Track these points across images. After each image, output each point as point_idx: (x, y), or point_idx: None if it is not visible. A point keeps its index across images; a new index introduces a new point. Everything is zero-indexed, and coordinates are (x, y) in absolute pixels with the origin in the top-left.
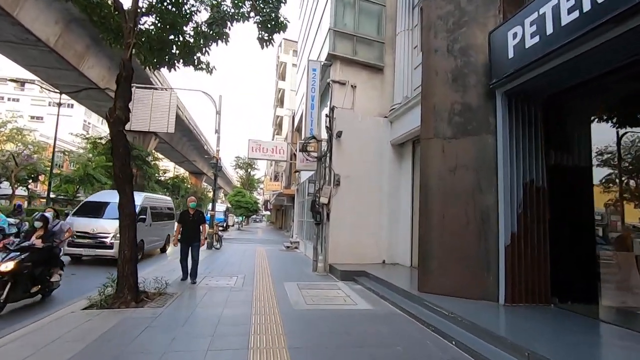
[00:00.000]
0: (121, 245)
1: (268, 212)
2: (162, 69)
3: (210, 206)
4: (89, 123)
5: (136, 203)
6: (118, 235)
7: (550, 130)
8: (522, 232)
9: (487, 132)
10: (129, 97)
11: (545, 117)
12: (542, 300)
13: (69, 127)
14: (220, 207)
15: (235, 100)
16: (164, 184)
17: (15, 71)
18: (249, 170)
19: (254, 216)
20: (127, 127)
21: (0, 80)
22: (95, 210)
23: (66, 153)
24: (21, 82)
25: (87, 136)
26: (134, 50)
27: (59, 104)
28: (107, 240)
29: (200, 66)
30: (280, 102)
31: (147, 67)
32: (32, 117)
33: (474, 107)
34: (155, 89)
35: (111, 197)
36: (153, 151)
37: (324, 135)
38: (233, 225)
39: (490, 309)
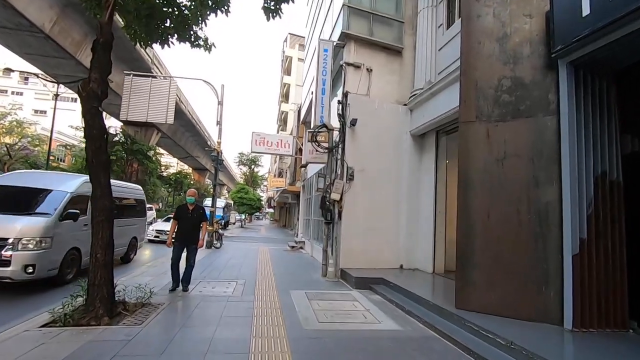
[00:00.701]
0: (93, 247)
1: (271, 210)
2: (158, 52)
3: (207, 201)
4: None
5: (64, 189)
6: (26, 242)
7: (627, 111)
8: (593, 238)
9: (546, 113)
10: (108, 68)
11: (620, 94)
12: (618, 325)
13: (72, 121)
14: (220, 202)
15: (238, 95)
16: (166, 180)
17: (20, 65)
18: (253, 167)
19: (257, 214)
20: (123, 117)
21: (4, 74)
22: None
23: (68, 147)
24: (24, 77)
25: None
26: (121, 20)
27: (56, 95)
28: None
29: (197, 42)
30: (285, 97)
31: (139, 44)
32: (36, 111)
33: (527, 82)
34: (154, 77)
35: (26, 179)
36: (155, 146)
37: (336, 124)
38: (234, 223)
39: (556, 337)
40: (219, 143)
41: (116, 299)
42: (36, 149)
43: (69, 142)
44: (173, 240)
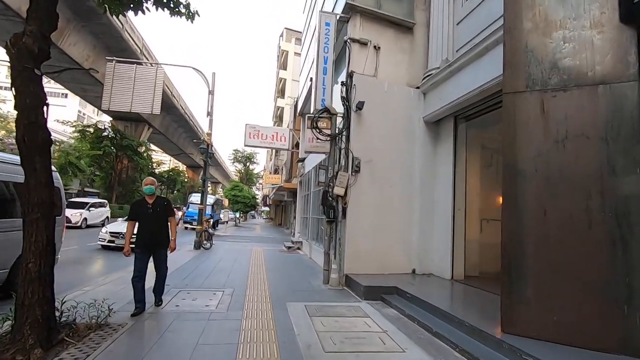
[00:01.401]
0: (24, 254)
1: (267, 208)
2: (148, 42)
3: (194, 197)
4: (83, 114)
5: None
6: None
7: None
8: None
9: (623, 79)
10: (51, 21)
11: None
12: None
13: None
14: (209, 199)
15: (233, 91)
16: (158, 177)
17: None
18: (248, 164)
19: (252, 212)
20: (104, 106)
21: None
22: None
23: (57, 143)
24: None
25: (74, 124)
26: None
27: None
28: None
29: (177, 9)
30: (281, 92)
31: (108, 11)
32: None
33: (596, 40)
34: (139, 63)
35: None
36: (145, 142)
37: (339, 108)
38: (226, 222)
39: None
40: (209, 134)
41: (61, 320)
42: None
43: (57, 137)
44: (132, 246)
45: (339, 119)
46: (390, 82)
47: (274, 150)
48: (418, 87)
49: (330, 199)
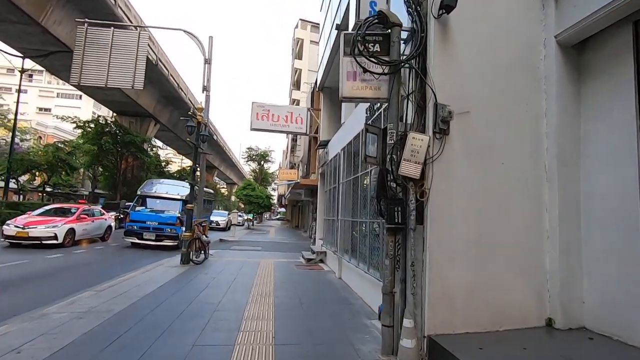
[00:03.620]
0: None
1: (283, 209)
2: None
3: (146, 189)
4: (98, 115)
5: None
6: None
7: None
8: None
9: None
10: None
11: None
12: None
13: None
14: (180, 188)
15: (248, 87)
16: (167, 177)
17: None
18: (263, 162)
19: (267, 214)
20: (74, 80)
21: (8, 71)
22: None
23: (65, 143)
24: (29, 74)
25: (74, 119)
26: None
27: (22, 71)
28: None
29: None
30: (296, 84)
31: None
32: (40, 109)
33: None
34: (117, 26)
35: None
36: (149, 137)
37: (403, 20)
38: (227, 228)
39: None
40: (201, 109)
41: None
42: (23, 143)
43: (67, 138)
44: None
45: (405, 35)
46: None
47: (289, 147)
48: None
49: (394, 185)
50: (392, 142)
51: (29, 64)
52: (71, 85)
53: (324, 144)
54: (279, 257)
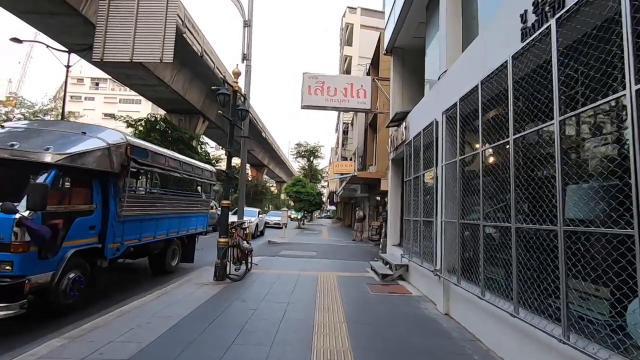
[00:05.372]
0: None
1: (333, 207)
2: None
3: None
4: (148, 114)
5: None
6: None
7: None
8: None
9: None
10: None
11: None
12: None
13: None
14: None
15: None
16: (217, 175)
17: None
18: (312, 158)
19: (318, 212)
20: (96, 56)
21: (78, 81)
22: None
23: None
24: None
25: (122, 116)
26: None
27: (68, 66)
28: None
29: None
30: (346, 73)
31: None
32: (105, 115)
33: None
34: None
35: None
36: (198, 134)
37: None
38: (260, 233)
39: None
40: (237, 73)
41: None
42: None
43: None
44: None
45: None
46: None
47: (340, 141)
48: None
49: None
50: None
51: (93, 72)
52: (94, 63)
53: (399, 118)
54: (341, 269)
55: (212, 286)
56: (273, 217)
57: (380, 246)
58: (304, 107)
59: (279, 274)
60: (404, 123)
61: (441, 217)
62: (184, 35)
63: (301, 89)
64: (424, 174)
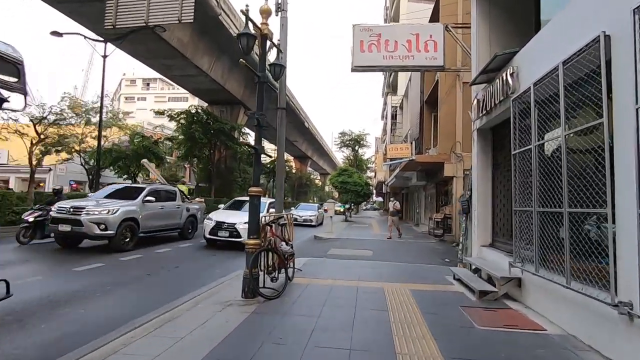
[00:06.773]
0: None
1: (380, 199)
2: None
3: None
4: (190, 106)
5: None
6: None
7: None
8: None
9: None
10: None
11: None
12: None
13: None
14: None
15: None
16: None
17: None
18: (357, 147)
19: (364, 203)
20: (109, 22)
21: (131, 83)
22: None
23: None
24: (146, 82)
25: (168, 112)
26: None
27: (104, 56)
28: None
29: None
30: (394, 20)
31: None
32: (156, 113)
33: None
34: None
35: None
36: (240, 125)
37: None
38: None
39: None
40: (267, 10)
41: None
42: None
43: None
44: None
45: None
46: None
47: (389, 127)
48: None
49: None
50: None
51: (144, 73)
52: (105, 32)
53: (496, 67)
54: (412, 277)
55: (238, 308)
56: (303, 212)
57: (460, 247)
58: (355, 68)
59: (330, 286)
60: (508, 70)
61: (630, 206)
62: (220, 17)
63: (351, 46)
64: (567, 136)
